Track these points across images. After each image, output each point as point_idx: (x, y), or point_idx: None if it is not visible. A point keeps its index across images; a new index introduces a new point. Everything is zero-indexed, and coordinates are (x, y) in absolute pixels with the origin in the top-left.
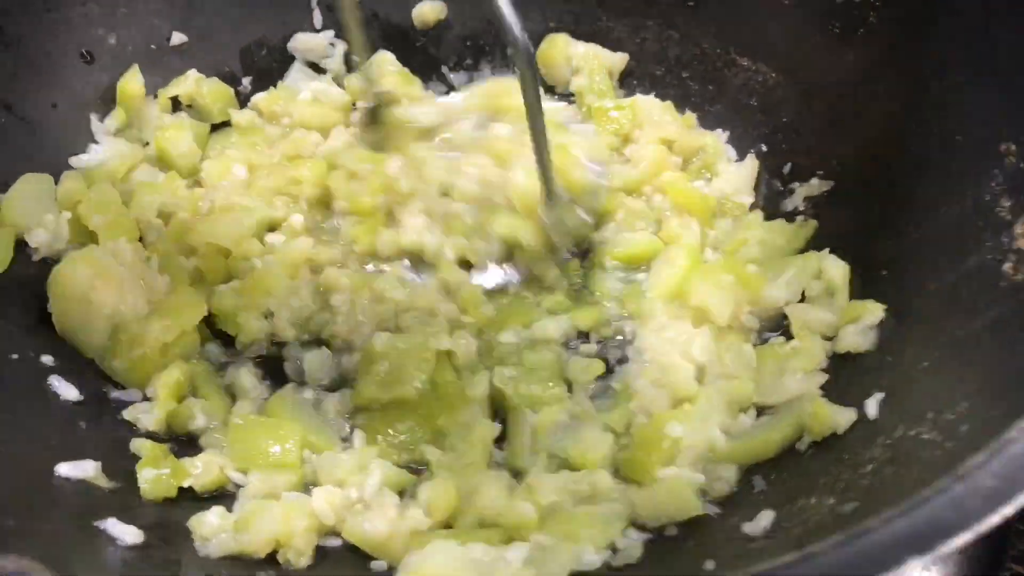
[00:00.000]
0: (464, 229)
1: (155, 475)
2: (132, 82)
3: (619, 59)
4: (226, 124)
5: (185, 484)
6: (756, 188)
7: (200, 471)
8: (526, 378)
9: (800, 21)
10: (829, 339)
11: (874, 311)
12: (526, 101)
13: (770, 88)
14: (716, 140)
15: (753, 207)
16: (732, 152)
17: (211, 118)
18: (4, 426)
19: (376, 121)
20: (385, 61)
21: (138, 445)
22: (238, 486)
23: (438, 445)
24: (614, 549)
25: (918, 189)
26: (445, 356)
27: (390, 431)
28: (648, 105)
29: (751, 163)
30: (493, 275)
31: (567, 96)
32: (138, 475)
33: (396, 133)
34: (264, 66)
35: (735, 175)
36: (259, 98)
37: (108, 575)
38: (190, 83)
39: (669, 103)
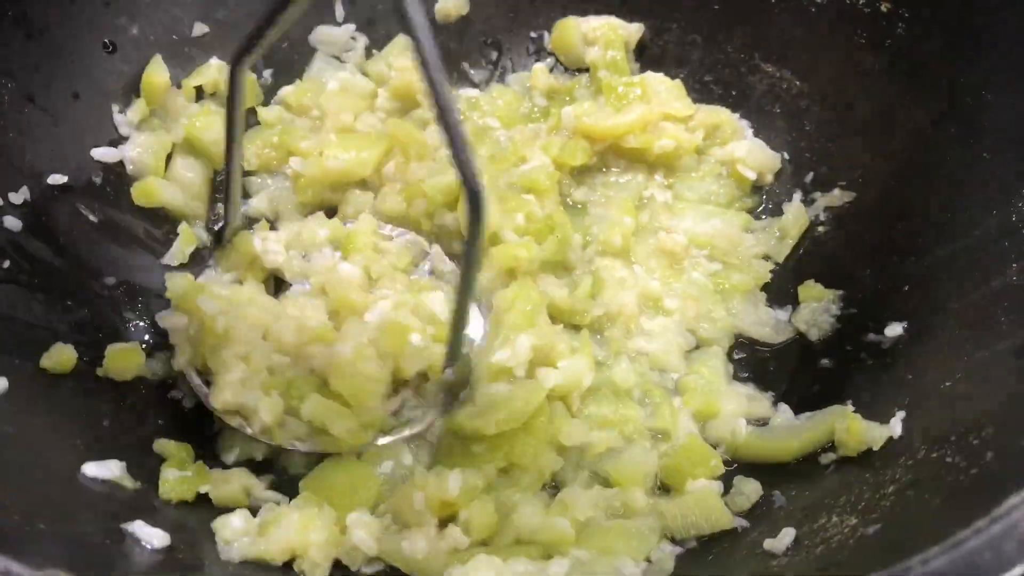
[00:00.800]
0: (281, 386)
1: (178, 476)
2: (156, 73)
3: (635, 29)
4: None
5: (203, 490)
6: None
7: (221, 483)
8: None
9: (826, 30)
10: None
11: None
12: (466, 251)
13: (794, 96)
14: (731, 117)
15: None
16: (750, 131)
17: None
18: (31, 427)
19: (224, 243)
20: (401, 45)
21: (162, 446)
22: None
23: (504, 472)
24: (649, 561)
25: (943, 206)
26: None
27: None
28: (657, 82)
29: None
30: None
31: (580, 71)
32: (161, 474)
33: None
34: (284, 58)
35: (748, 146)
36: (287, 92)
37: None
38: (213, 71)
39: (679, 82)
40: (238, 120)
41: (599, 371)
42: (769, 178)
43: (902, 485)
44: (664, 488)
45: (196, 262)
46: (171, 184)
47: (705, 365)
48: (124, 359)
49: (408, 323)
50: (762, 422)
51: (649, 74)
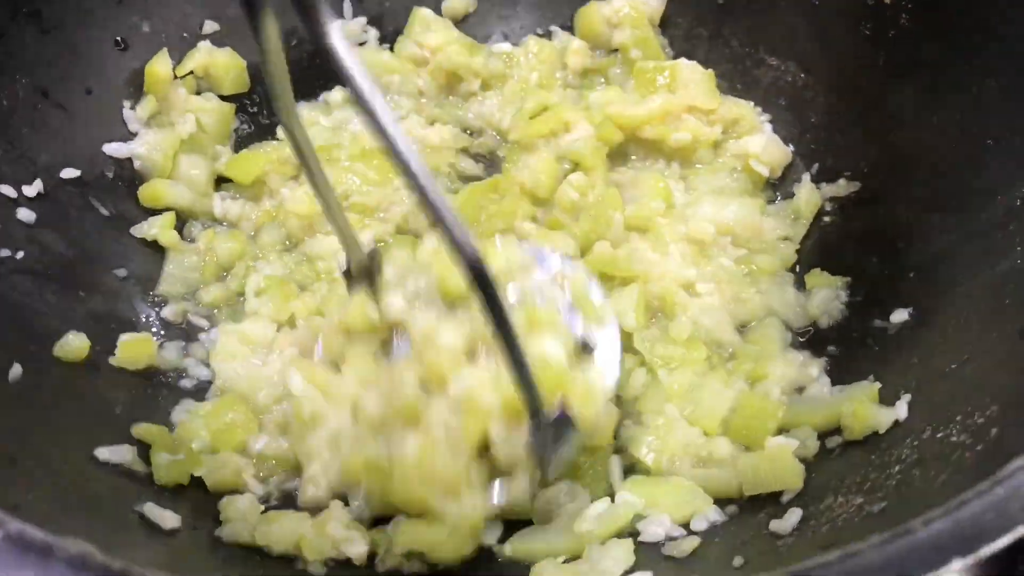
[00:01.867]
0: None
1: (170, 460)
2: (160, 66)
3: (656, 4)
4: (238, 97)
5: (197, 473)
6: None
7: (216, 467)
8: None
9: (830, 22)
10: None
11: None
12: (488, 317)
13: (799, 88)
14: (752, 112)
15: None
16: (768, 127)
17: (221, 89)
18: (45, 412)
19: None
20: (421, 22)
21: (141, 431)
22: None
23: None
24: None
25: (948, 192)
26: None
27: None
28: (688, 71)
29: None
30: None
31: (613, 52)
32: (152, 459)
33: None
34: (295, 57)
35: (764, 141)
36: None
37: (152, 559)
38: (203, 55)
39: (711, 72)
40: (306, 147)
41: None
42: (779, 173)
43: (907, 464)
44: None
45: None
46: (177, 184)
47: (762, 334)
48: (136, 349)
49: (489, 399)
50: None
51: (682, 61)
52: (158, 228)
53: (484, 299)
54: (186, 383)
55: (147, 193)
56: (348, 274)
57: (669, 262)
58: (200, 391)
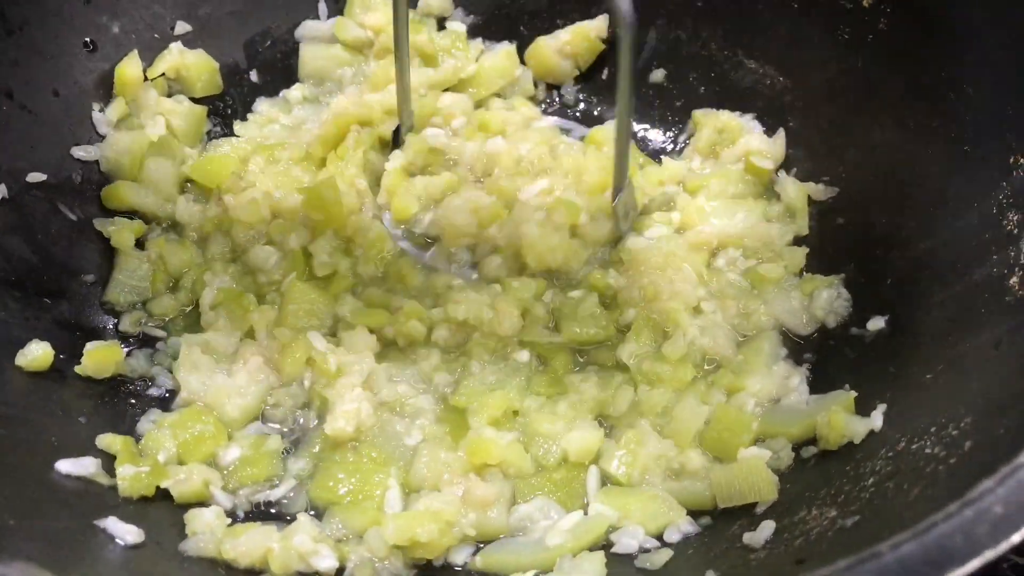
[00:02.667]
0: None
1: (134, 472)
2: (130, 68)
3: (600, 22)
4: (210, 99)
5: (163, 484)
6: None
7: (183, 479)
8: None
9: (809, 25)
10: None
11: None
12: (622, 79)
13: (777, 92)
14: (732, 116)
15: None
16: (756, 125)
17: (193, 92)
18: (5, 424)
19: (401, 143)
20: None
21: (106, 442)
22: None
23: None
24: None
25: (925, 199)
26: None
27: None
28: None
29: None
30: None
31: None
32: (117, 472)
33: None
34: (268, 57)
35: (759, 137)
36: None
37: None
38: (175, 56)
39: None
40: (403, 18)
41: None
42: (780, 162)
43: (881, 476)
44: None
45: None
46: (142, 187)
47: (754, 348)
48: (103, 357)
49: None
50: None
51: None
52: (115, 227)
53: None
54: (154, 391)
55: (110, 195)
56: (397, 132)
57: (677, 284)
58: (168, 400)
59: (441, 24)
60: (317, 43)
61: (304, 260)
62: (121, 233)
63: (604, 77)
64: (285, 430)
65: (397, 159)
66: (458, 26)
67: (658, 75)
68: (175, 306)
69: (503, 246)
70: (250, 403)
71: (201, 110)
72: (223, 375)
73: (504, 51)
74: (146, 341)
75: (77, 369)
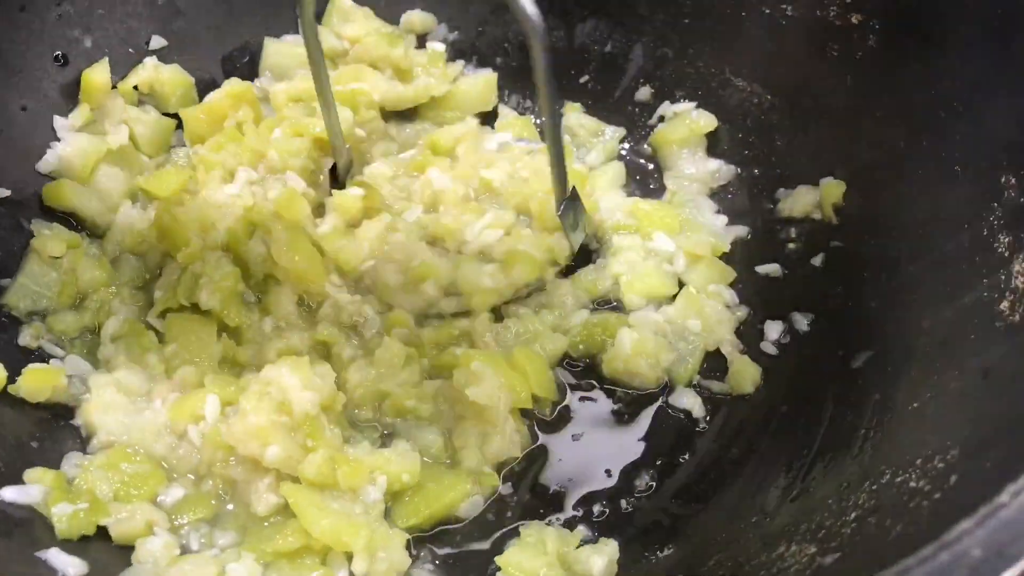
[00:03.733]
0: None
1: (72, 511)
2: (97, 74)
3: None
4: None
5: (103, 522)
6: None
7: (125, 517)
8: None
9: (797, 43)
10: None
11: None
12: (541, 86)
13: (765, 110)
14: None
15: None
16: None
17: (168, 107)
18: None
19: (341, 184)
20: (340, 11)
21: (36, 476)
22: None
23: None
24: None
25: (915, 221)
26: None
27: None
28: None
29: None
30: None
31: None
32: (51, 511)
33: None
34: (246, 73)
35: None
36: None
37: None
38: (149, 71)
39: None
40: (319, 59)
41: None
42: None
43: (864, 511)
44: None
45: None
46: (88, 190)
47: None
48: (39, 380)
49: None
50: None
51: None
52: (49, 232)
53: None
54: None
55: (51, 193)
56: (335, 171)
57: None
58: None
59: (422, 43)
60: (283, 43)
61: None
62: (49, 240)
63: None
64: None
65: (329, 222)
66: (438, 46)
67: (644, 93)
68: (77, 325)
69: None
70: (179, 440)
71: (169, 122)
72: (143, 414)
73: (484, 78)
74: (42, 358)
75: (11, 388)
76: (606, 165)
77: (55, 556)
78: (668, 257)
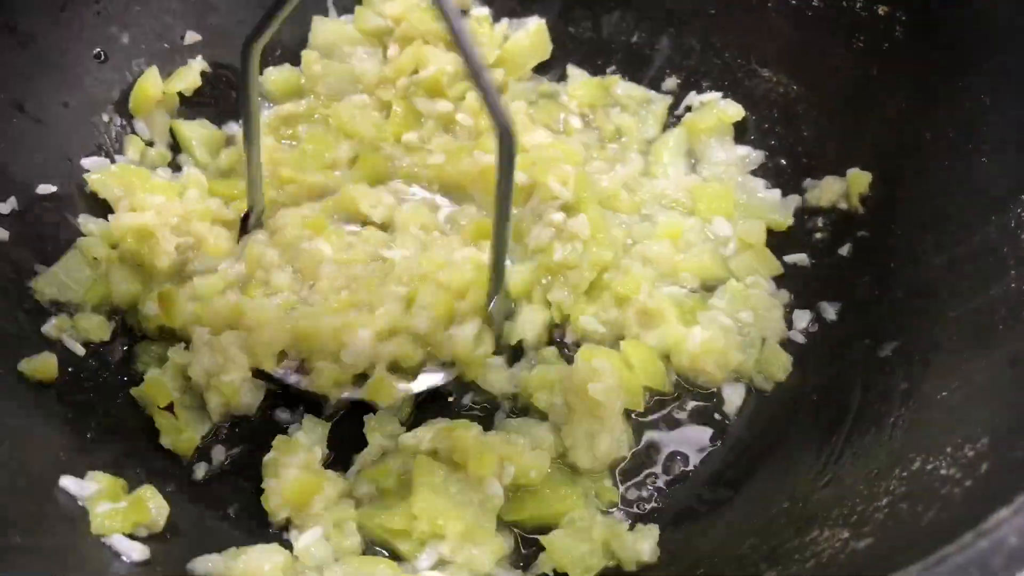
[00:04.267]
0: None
1: (109, 510)
2: (150, 84)
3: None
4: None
5: (143, 524)
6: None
7: (160, 510)
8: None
9: (823, 33)
10: None
11: None
12: (500, 178)
13: (791, 100)
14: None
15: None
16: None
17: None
18: (13, 437)
19: (251, 230)
20: None
21: (98, 477)
22: None
23: None
24: None
25: (941, 212)
26: None
27: None
28: None
29: None
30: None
31: None
32: (90, 510)
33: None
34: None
35: None
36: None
37: None
38: (195, 75)
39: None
40: (253, 103)
41: None
42: None
43: (896, 497)
44: None
45: None
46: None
47: None
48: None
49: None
50: None
51: None
52: (96, 228)
53: (504, 161)
54: None
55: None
56: (246, 219)
57: None
58: None
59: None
60: (332, 20)
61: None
62: (94, 242)
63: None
64: None
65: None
66: (482, 10)
67: (671, 83)
68: (100, 331)
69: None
70: None
71: (220, 133)
72: None
73: (535, 27)
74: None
75: (19, 367)
76: (665, 135)
77: (119, 541)
78: (724, 241)
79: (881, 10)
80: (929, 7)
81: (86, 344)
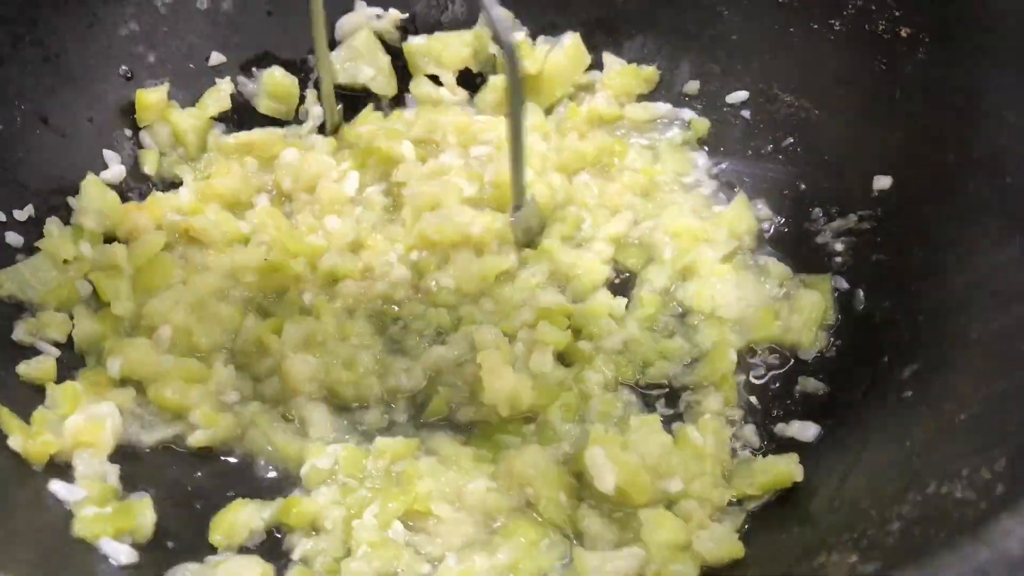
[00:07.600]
0: None
1: (94, 514)
2: (152, 95)
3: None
4: None
5: (126, 531)
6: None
7: (147, 519)
8: None
9: (845, 57)
10: None
11: None
12: (510, 102)
13: (812, 124)
14: None
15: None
16: None
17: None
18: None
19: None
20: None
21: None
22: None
23: None
24: None
25: (963, 232)
26: None
27: None
28: None
29: None
30: None
31: None
32: (75, 513)
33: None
34: (301, 85)
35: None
36: None
37: None
38: (225, 98)
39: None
40: (320, 23)
41: None
42: None
43: (908, 521)
44: None
45: None
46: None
47: None
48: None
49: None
50: None
51: None
52: (59, 230)
53: (512, 84)
54: None
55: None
56: (323, 128)
57: None
58: None
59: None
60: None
61: None
62: (58, 241)
63: None
64: None
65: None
66: (519, 34)
67: (689, 111)
68: (62, 329)
69: None
70: None
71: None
72: None
73: (570, 43)
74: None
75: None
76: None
77: (106, 544)
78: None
79: (904, 32)
80: (951, 28)
81: (57, 344)
